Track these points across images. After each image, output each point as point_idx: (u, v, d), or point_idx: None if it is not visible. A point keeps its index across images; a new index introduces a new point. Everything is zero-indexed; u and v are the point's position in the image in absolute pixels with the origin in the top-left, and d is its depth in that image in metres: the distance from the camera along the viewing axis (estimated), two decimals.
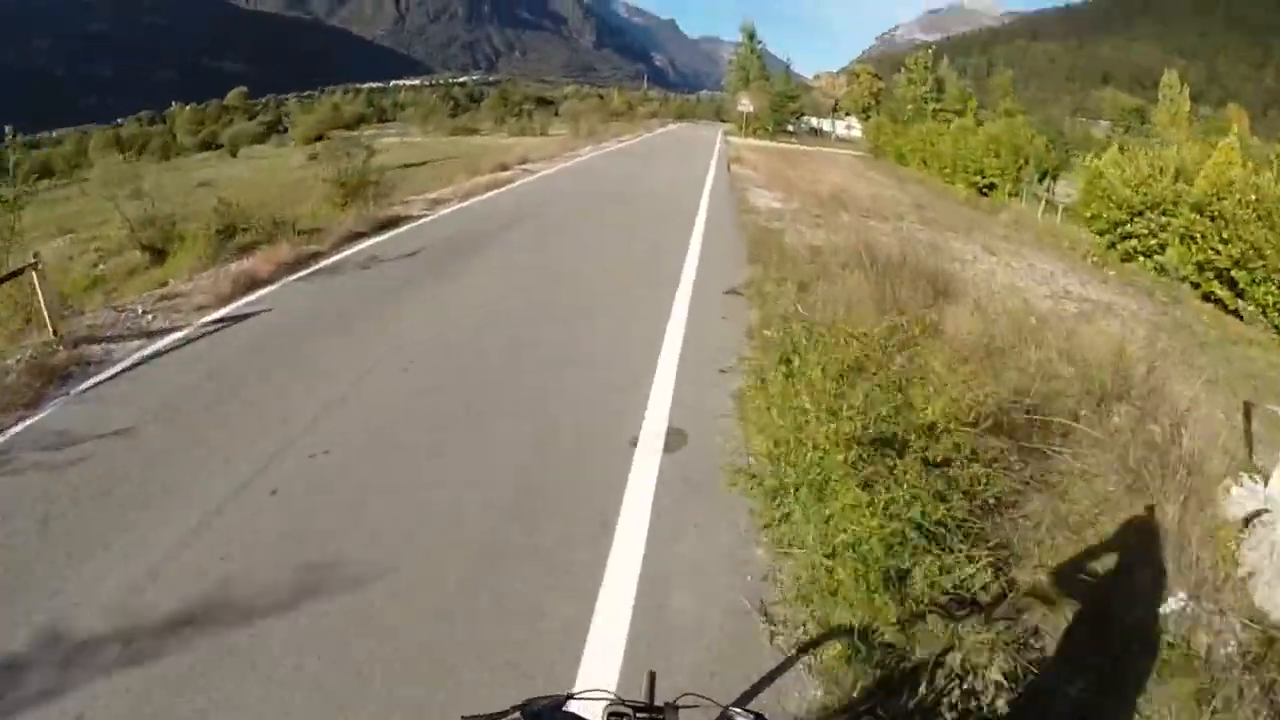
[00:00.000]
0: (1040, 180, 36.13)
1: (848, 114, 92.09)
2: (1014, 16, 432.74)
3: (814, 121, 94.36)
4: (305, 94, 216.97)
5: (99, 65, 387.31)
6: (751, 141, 54.93)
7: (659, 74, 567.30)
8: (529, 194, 22.07)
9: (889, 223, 19.93)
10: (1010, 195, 34.56)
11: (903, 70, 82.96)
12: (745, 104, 48.45)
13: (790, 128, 78.65)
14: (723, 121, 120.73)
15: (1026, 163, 35.63)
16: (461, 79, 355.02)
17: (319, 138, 62.79)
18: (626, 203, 20.38)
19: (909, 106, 75.89)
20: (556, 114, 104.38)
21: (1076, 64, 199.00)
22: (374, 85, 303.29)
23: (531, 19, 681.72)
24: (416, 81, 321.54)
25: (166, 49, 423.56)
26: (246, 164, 64.69)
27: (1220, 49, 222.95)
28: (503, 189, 22.71)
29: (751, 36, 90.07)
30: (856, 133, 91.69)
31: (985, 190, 36.13)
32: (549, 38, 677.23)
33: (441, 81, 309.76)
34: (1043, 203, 33.24)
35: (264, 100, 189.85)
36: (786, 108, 77.34)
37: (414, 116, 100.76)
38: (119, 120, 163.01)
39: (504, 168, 27.19)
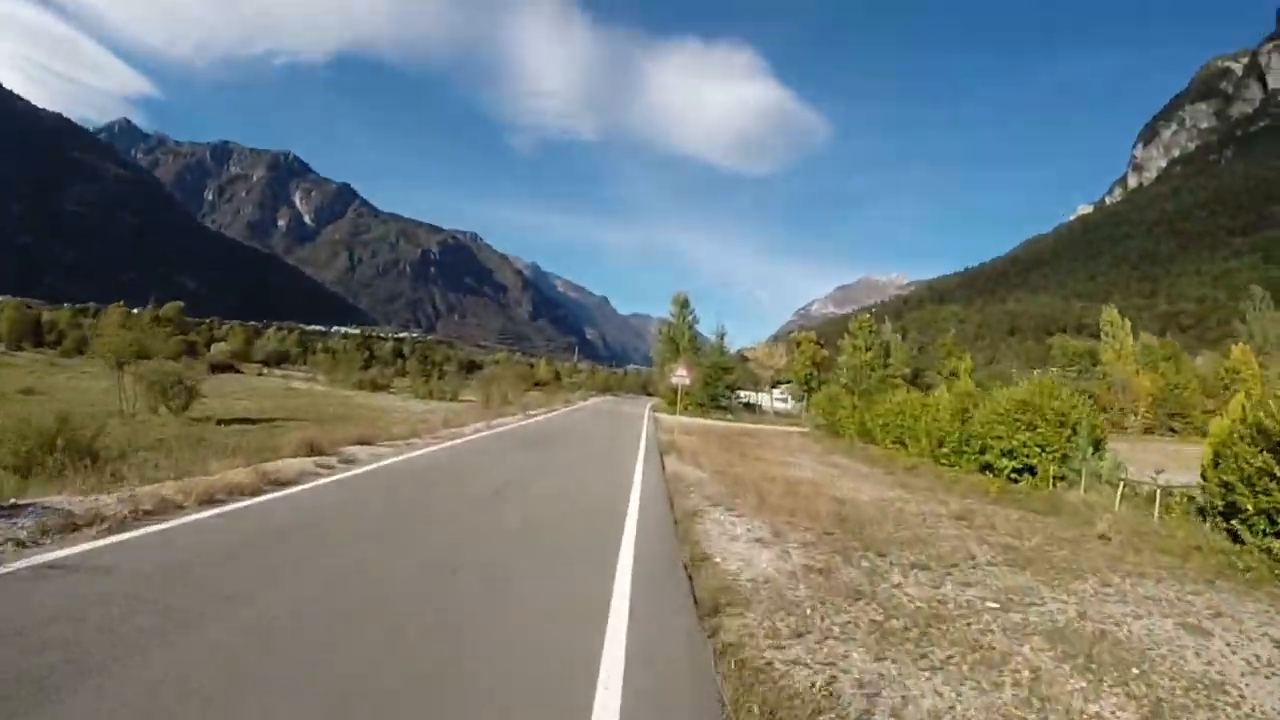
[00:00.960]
0: (1094, 451, 25.47)
1: (779, 385, 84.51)
2: (917, 284, 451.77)
3: (748, 396, 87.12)
4: (250, 322, 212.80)
5: (65, 246, 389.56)
6: (684, 419, 46.44)
7: (590, 347, 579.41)
8: (296, 509, 11.00)
9: (970, 581, 9.82)
10: (1055, 479, 24.33)
11: (846, 336, 76.80)
12: (682, 374, 39.71)
13: (725, 403, 70.73)
14: (649, 395, 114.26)
15: (1074, 432, 25.32)
16: (401, 334, 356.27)
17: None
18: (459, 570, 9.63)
19: (870, 374, 68.74)
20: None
21: (985, 320, 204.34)
22: (317, 327, 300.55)
23: (473, 285, 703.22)
24: (356, 330, 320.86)
25: (134, 248, 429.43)
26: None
27: (1112, 289, 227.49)
28: (253, 500, 11.14)
29: (684, 306, 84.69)
30: (789, 405, 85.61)
31: (1016, 475, 25.63)
32: (488, 304, 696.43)
33: (379, 334, 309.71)
34: (1119, 489, 20.58)
35: (206, 320, 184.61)
36: (721, 380, 69.58)
37: (323, 362, 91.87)
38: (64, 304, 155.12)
39: (327, 448, 17.55)
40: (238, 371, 71.75)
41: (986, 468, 27.21)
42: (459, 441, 23.34)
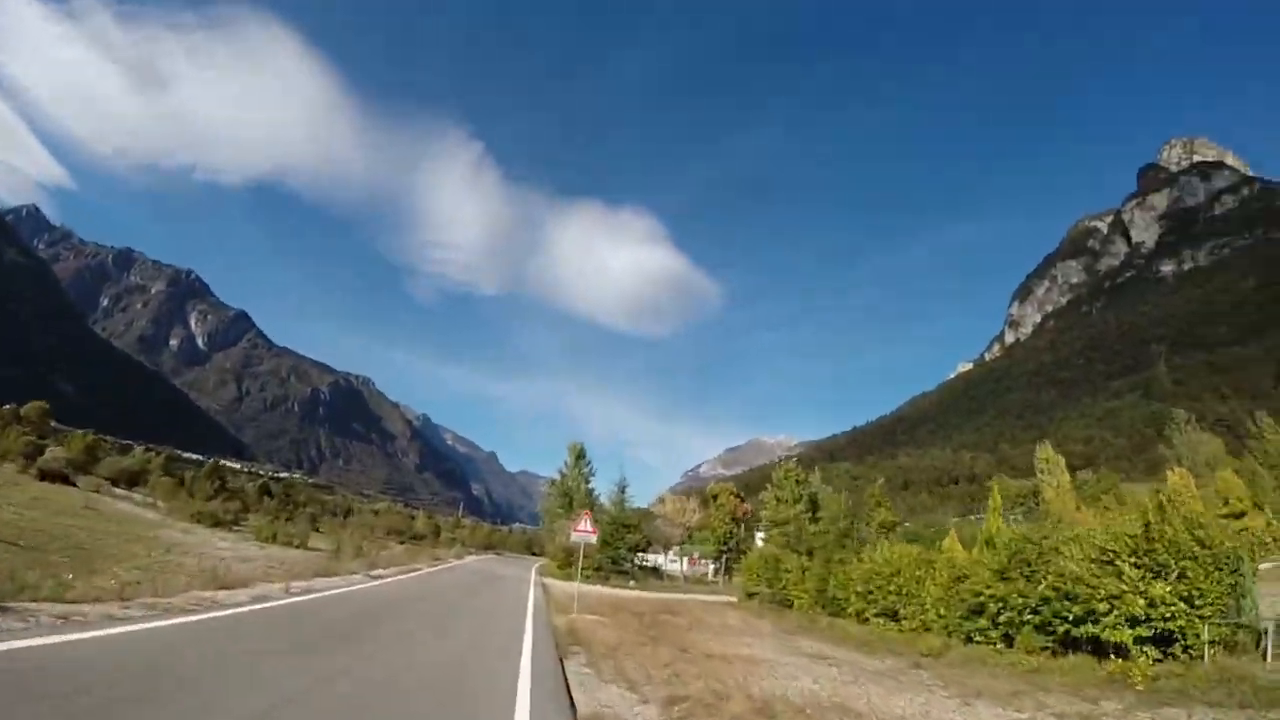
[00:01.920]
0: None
1: (681, 545, 73.90)
2: (805, 444, 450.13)
3: (654, 558, 74.48)
4: (124, 441, 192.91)
5: None
6: (581, 587, 35.20)
7: (476, 502, 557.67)
8: None
9: None
10: (1209, 644, 14.45)
11: (770, 487, 66.58)
12: (585, 529, 28.79)
13: (626, 566, 58.50)
14: (535, 555, 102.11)
15: (1237, 572, 15.80)
16: (282, 474, 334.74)
17: None
18: None
19: (834, 529, 57.84)
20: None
21: (878, 476, 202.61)
22: (193, 455, 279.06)
23: (361, 430, 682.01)
24: (236, 465, 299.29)
25: (16, 342, 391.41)
26: None
27: (999, 439, 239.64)
28: None
29: (580, 457, 74.19)
30: (701, 568, 74.72)
31: (1144, 647, 15.62)
32: (375, 452, 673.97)
33: (258, 471, 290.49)
34: None
35: (78, 432, 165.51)
36: (623, 540, 57.48)
37: (163, 487, 77.42)
38: None
39: None
40: (71, 484, 58.32)
41: (1071, 643, 17.55)
42: (184, 621, 11.99)
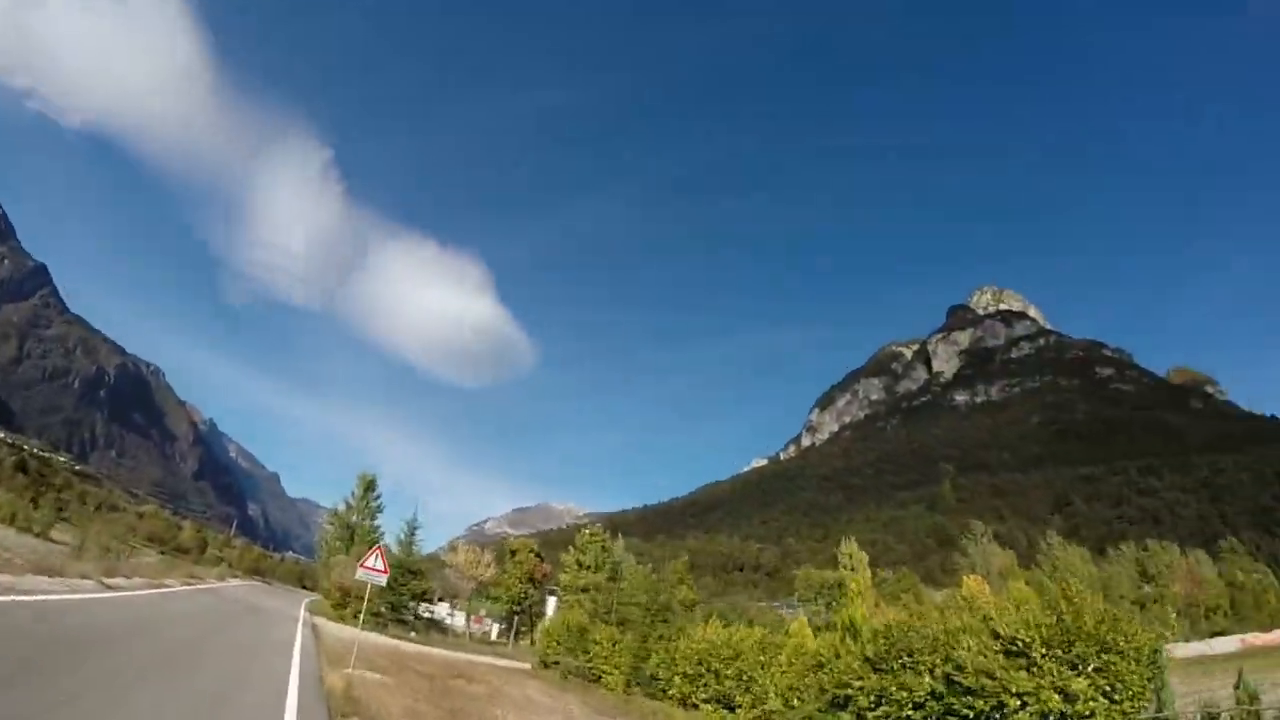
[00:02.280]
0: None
1: (464, 599, 68.34)
2: (593, 515, 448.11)
3: (438, 610, 68.64)
4: None
5: None
6: (361, 635, 29.80)
7: (250, 523, 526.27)
8: None
9: None
10: None
11: (571, 550, 63.04)
12: (376, 568, 23.24)
13: (407, 616, 52.74)
14: (307, 590, 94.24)
15: (1154, 664, 13.84)
16: (46, 453, 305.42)
17: None
18: None
19: (647, 602, 53.11)
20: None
21: (665, 555, 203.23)
22: None
23: (142, 423, 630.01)
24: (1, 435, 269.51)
25: None
26: None
27: (784, 533, 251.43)
28: None
29: (370, 489, 68.36)
30: (486, 627, 69.72)
31: None
32: (152, 450, 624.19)
33: (20, 444, 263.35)
34: None
35: None
36: (408, 587, 52.00)
37: None
38: None
39: None
40: None
41: None
42: None
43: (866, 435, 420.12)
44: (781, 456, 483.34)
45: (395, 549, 57.54)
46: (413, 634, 47.94)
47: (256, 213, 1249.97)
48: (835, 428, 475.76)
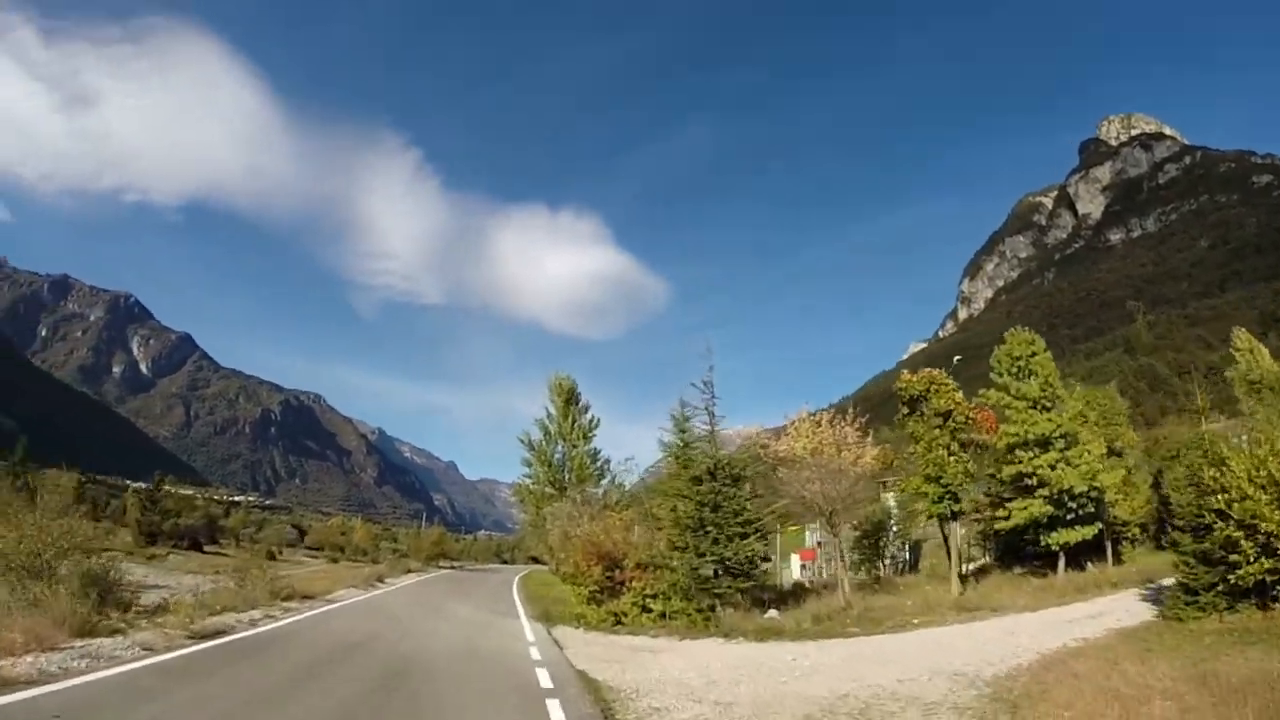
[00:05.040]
0: None
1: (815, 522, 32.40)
2: (770, 431, 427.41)
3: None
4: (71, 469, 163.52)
5: None
6: (712, 662, 6.86)
7: (438, 513, 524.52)
8: None
9: None
10: None
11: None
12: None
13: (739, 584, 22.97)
14: (506, 564, 73.35)
15: None
16: (237, 497, 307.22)
17: None
18: None
19: None
20: None
21: None
22: (140, 485, 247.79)
23: (315, 449, 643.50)
24: (190, 491, 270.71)
25: None
26: None
27: None
28: None
29: (571, 399, 46.20)
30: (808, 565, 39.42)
31: None
32: (331, 469, 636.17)
33: (215, 497, 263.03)
34: None
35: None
36: (741, 517, 21.40)
37: None
38: None
39: None
40: None
41: None
42: None
43: (1025, 295, 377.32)
44: (940, 335, 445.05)
45: (674, 442, 27.51)
46: (772, 613, 22.18)
47: (368, 228, 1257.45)
48: (989, 294, 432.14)
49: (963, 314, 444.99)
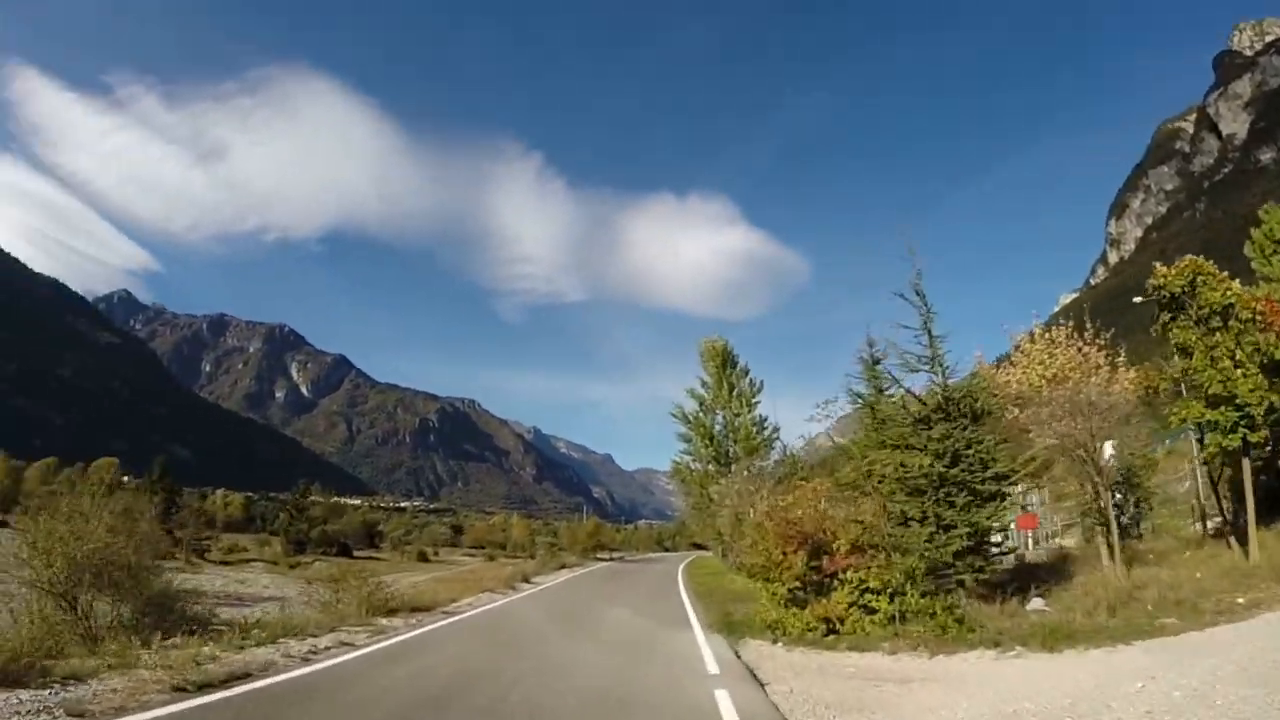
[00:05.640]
0: None
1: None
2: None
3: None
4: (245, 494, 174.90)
5: (56, 410, 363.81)
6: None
7: (597, 505, 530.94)
8: None
9: None
10: None
11: None
12: None
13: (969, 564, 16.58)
14: (668, 551, 68.46)
15: None
16: (403, 504, 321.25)
17: None
18: None
19: None
20: None
21: None
22: (313, 500, 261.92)
23: (475, 451, 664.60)
24: (358, 501, 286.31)
25: (126, 415, 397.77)
26: None
27: (1133, 358, 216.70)
28: None
29: (726, 363, 40.66)
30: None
31: None
32: (491, 469, 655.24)
33: (381, 505, 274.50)
34: None
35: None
36: (991, 467, 15.42)
37: None
38: None
39: None
40: None
41: None
42: None
43: (1177, 231, 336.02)
44: (1091, 282, 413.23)
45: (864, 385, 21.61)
46: (1037, 602, 15.14)
47: (502, 235, 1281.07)
48: (1139, 233, 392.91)
49: (1113, 257, 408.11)
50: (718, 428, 40.20)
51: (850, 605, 13.82)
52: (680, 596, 26.14)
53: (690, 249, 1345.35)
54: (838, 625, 13.73)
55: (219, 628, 15.14)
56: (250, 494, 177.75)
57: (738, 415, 38.97)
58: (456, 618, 18.05)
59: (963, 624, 13.06)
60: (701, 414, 40.63)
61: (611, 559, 70.15)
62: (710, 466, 39.22)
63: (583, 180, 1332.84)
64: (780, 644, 13.54)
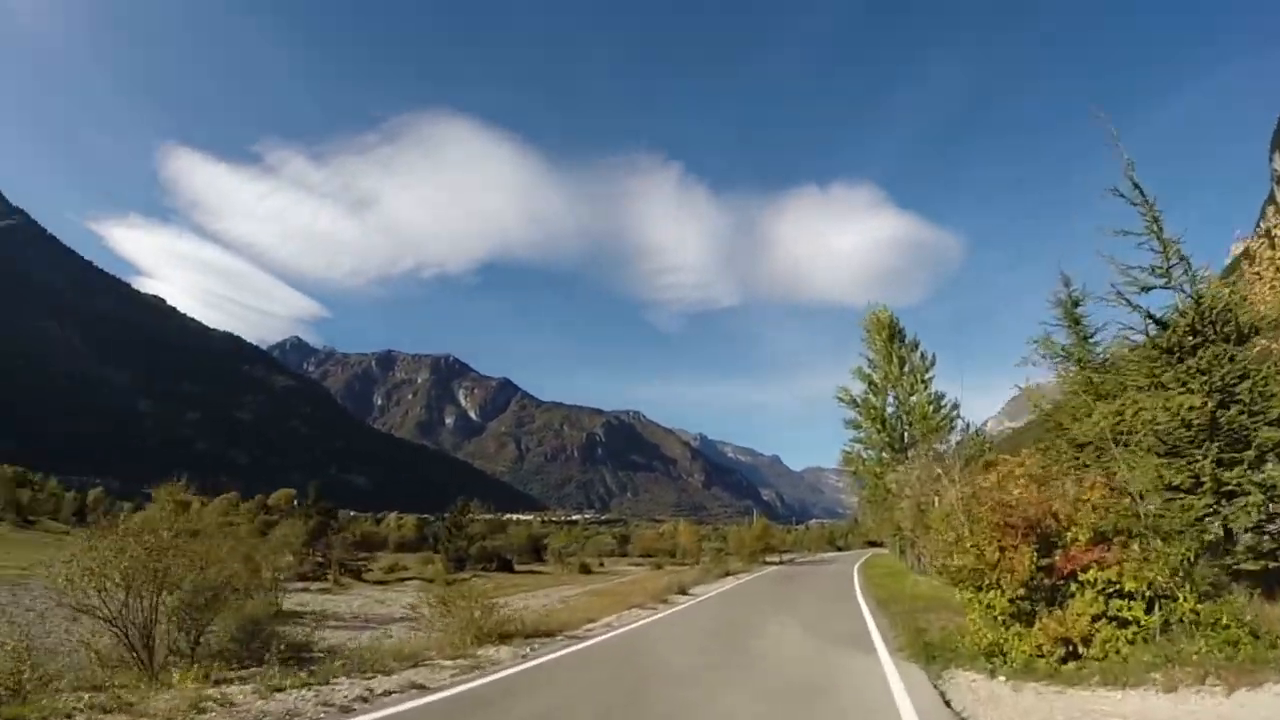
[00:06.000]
0: None
1: None
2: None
3: None
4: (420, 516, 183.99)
5: (239, 451, 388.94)
6: None
7: (767, 508, 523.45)
8: None
9: None
10: None
11: None
12: None
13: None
14: (840, 550, 64.54)
15: None
16: (574, 517, 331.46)
17: None
18: None
19: None
20: None
21: None
22: (487, 517, 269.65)
23: (643, 461, 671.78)
24: (530, 517, 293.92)
25: (304, 451, 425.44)
26: None
27: None
28: None
29: (895, 335, 36.28)
30: None
31: None
32: (659, 479, 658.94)
33: (552, 519, 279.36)
34: None
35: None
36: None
37: None
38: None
39: None
40: None
41: None
42: None
43: None
44: (1261, 225, 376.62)
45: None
46: None
47: (650, 247, 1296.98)
48: None
49: None
50: (889, 409, 35.94)
51: (1096, 618, 9.72)
52: (857, 604, 22.19)
53: (839, 239, 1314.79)
54: (1080, 647, 9.66)
55: (316, 655, 14.16)
56: (425, 516, 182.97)
57: (912, 393, 34.67)
58: (580, 645, 14.84)
59: (1259, 638, 8.77)
60: (871, 395, 36.42)
61: (781, 562, 65.98)
62: (884, 454, 35.11)
63: (724, 183, 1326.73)
64: (1001, 676, 9.57)
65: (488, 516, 65.97)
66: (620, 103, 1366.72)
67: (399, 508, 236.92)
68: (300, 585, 36.51)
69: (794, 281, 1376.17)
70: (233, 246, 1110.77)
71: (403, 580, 47.26)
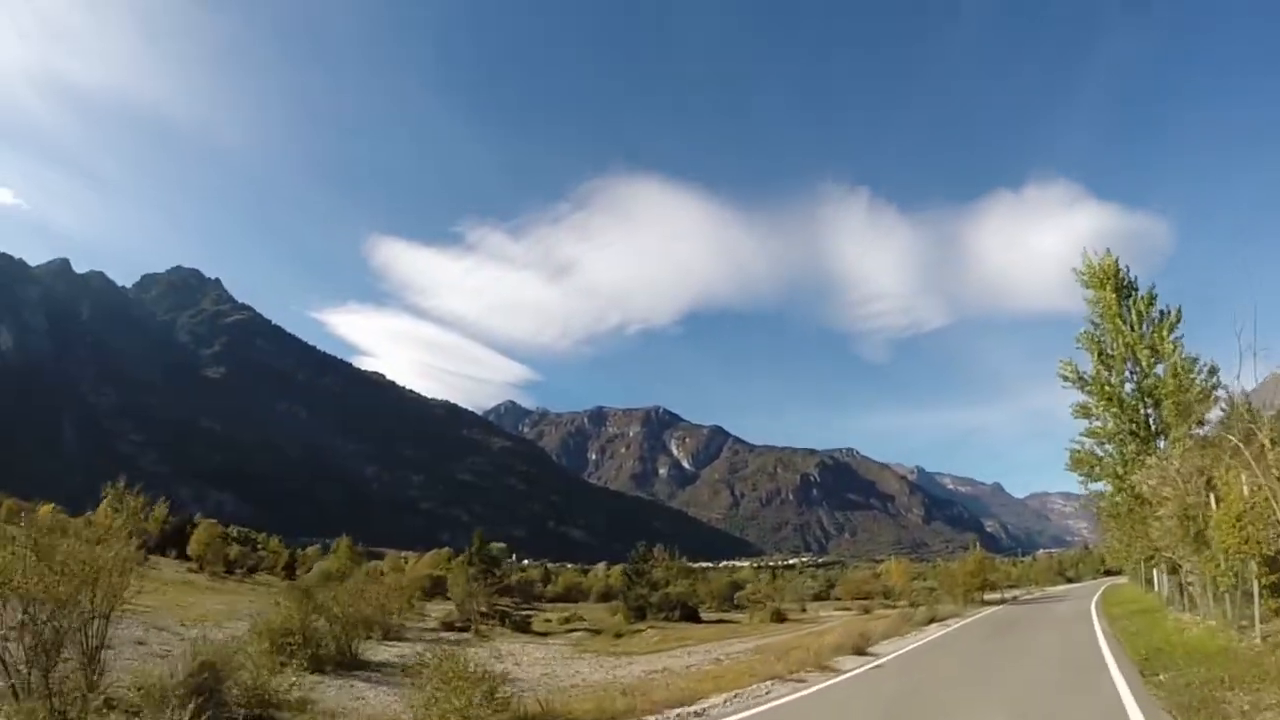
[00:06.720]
0: None
1: None
2: None
3: None
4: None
5: (460, 509, 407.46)
6: None
7: (990, 540, 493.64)
8: None
9: None
10: None
11: None
12: None
13: None
14: (1069, 581, 68.37)
15: None
16: (791, 561, 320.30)
17: None
18: None
19: None
20: None
21: None
22: (704, 564, 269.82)
23: (859, 499, 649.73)
24: (746, 563, 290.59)
25: (522, 507, 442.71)
26: None
27: None
28: None
29: (1125, 287, 28.00)
30: None
31: None
32: (877, 516, 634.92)
33: (769, 564, 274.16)
34: None
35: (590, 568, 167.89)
36: None
37: None
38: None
39: None
40: None
41: None
42: None
43: None
44: None
45: None
46: None
47: (847, 277, 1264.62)
48: None
49: None
50: (1128, 387, 27.85)
51: None
52: (1107, 670, 14.81)
53: (1041, 242, 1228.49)
54: None
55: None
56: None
57: (1157, 359, 26.45)
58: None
59: None
60: (1102, 368, 28.41)
61: (1003, 600, 56.65)
62: (1127, 446, 27.20)
63: (913, 201, 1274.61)
64: None
65: (672, 563, 60.85)
66: (797, 135, 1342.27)
67: (617, 558, 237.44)
68: (440, 633, 34.55)
69: (1000, 293, 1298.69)
70: (444, 321, 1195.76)
71: (571, 630, 43.44)
